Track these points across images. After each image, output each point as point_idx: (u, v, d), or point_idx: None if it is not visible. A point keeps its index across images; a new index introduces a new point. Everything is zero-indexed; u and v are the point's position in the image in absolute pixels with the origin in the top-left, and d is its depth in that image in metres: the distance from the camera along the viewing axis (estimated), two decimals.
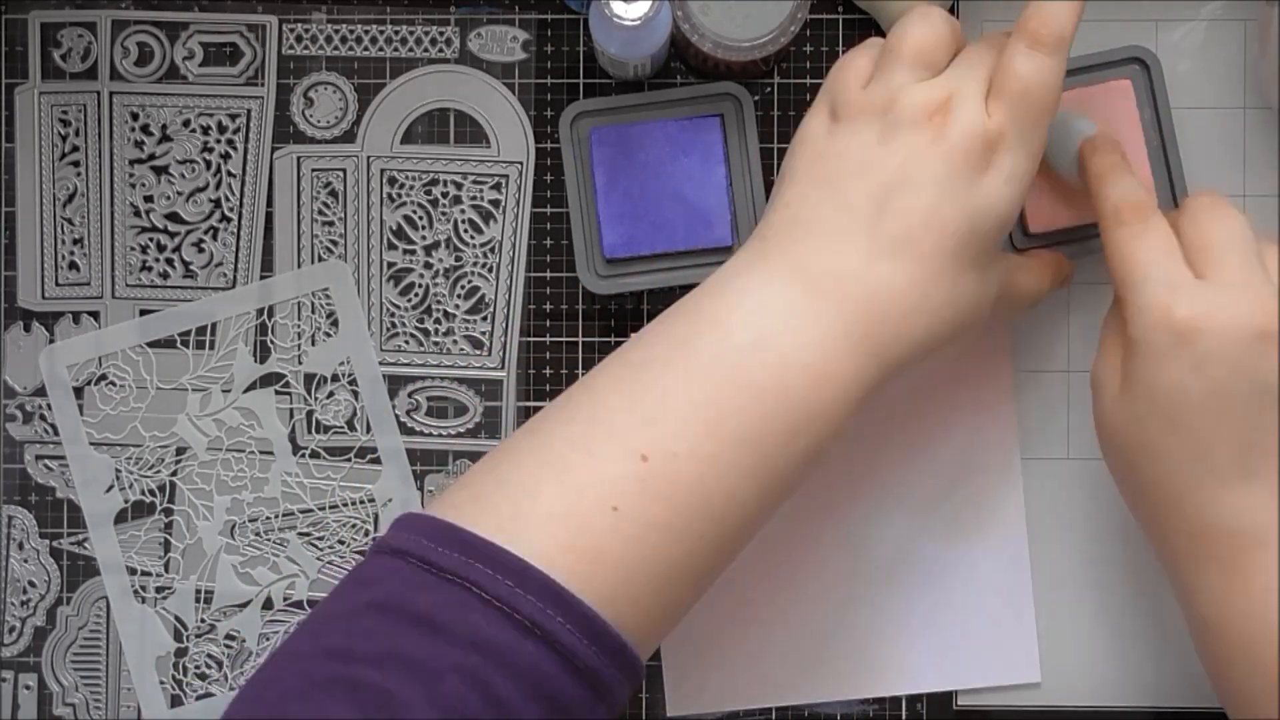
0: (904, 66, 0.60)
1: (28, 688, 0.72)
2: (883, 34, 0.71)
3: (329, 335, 0.72)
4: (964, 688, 0.71)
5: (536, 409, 0.71)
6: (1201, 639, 0.61)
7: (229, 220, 0.72)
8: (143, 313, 0.72)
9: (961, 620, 0.70)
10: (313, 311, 0.72)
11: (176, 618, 0.72)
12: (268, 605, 0.72)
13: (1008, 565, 0.71)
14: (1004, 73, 0.59)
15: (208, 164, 0.72)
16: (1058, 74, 0.59)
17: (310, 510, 0.72)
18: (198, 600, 0.72)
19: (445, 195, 0.72)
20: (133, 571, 0.72)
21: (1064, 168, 0.66)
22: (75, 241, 0.72)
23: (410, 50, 0.72)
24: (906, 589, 0.71)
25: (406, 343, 0.72)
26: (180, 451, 0.72)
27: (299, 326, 0.72)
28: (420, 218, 0.72)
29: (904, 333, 0.58)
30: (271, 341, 0.72)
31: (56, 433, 0.72)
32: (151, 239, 0.72)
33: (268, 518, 0.72)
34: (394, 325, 0.72)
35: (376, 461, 0.72)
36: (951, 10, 0.71)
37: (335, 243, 0.72)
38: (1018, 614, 0.70)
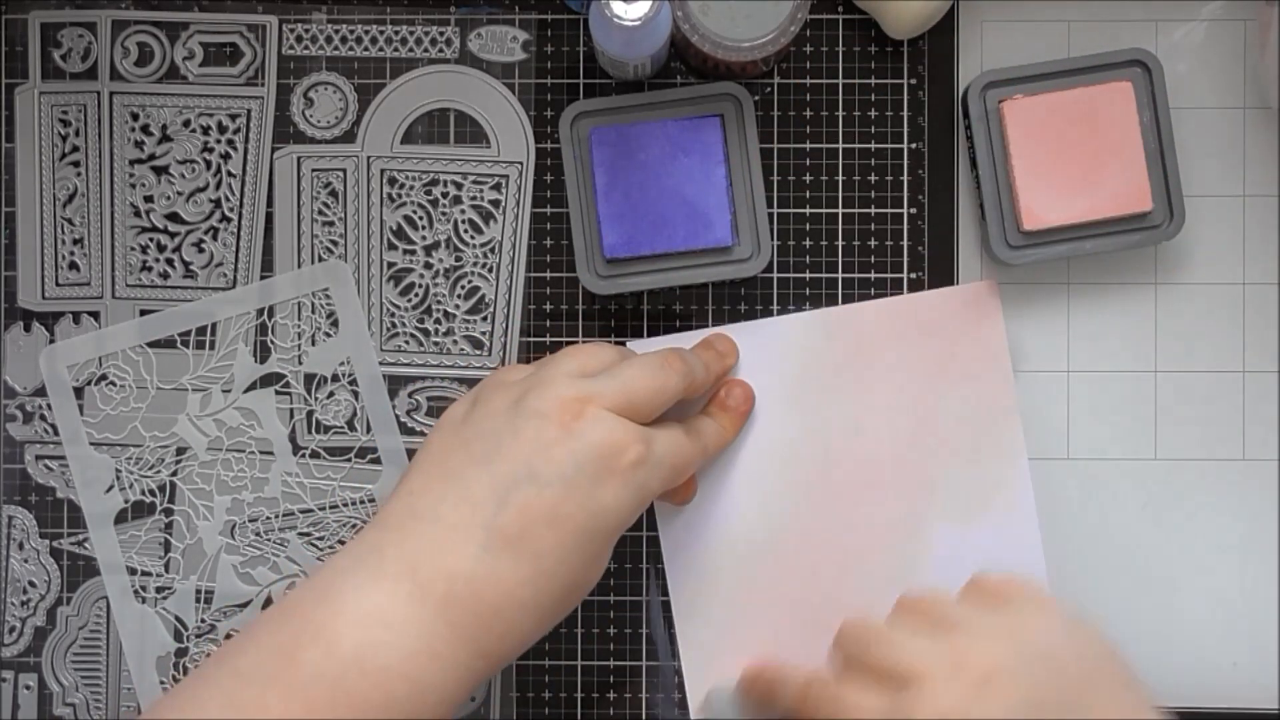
0: (558, 362, 0.62)
1: (28, 688, 0.72)
2: (883, 34, 0.71)
3: (329, 335, 0.72)
4: None
5: None
6: None
7: (229, 220, 0.72)
8: (143, 313, 0.72)
9: None
10: (313, 311, 0.72)
11: (177, 618, 0.72)
12: (268, 605, 0.72)
13: (1019, 546, 0.71)
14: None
15: (208, 164, 0.72)
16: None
17: (310, 510, 0.72)
18: (198, 600, 0.72)
19: (445, 195, 0.72)
20: (133, 571, 0.72)
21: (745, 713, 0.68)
22: (75, 241, 0.72)
23: (410, 50, 0.72)
24: (920, 577, 0.71)
25: (406, 343, 0.72)
26: (180, 451, 0.72)
27: (299, 326, 0.72)
28: (420, 218, 0.72)
29: (513, 630, 0.59)
30: (271, 341, 0.72)
31: (56, 433, 0.72)
32: (151, 239, 0.72)
33: (268, 518, 0.72)
34: (394, 325, 0.72)
35: (377, 462, 0.72)
36: (952, 10, 0.71)
37: (335, 243, 0.72)
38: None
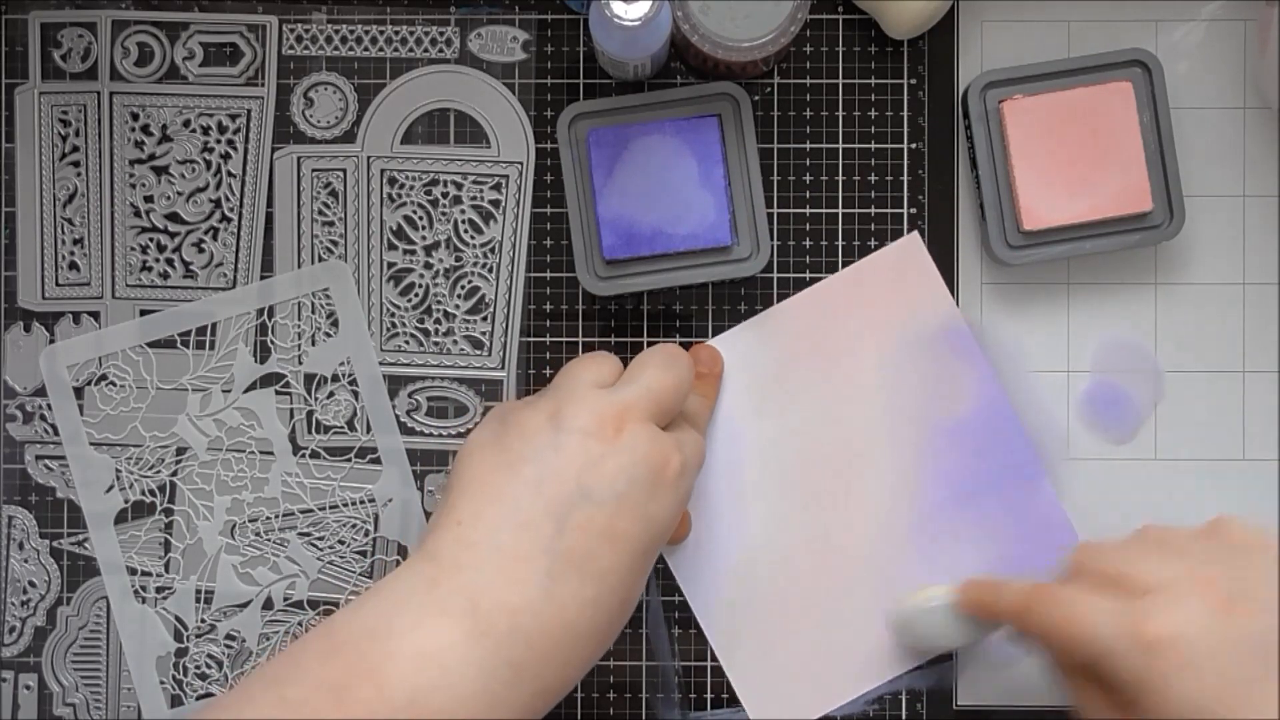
0: (576, 375, 0.62)
1: (28, 688, 0.72)
2: (883, 34, 0.71)
3: (329, 335, 0.72)
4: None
5: None
6: None
7: (229, 220, 0.72)
8: (143, 313, 0.72)
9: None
10: (313, 311, 0.72)
11: (177, 618, 0.72)
12: (268, 605, 0.72)
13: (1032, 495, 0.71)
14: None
15: (208, 164, 0.72)
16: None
17: (311, 510, 0.72)
18: (198, 600, 0.72)
19: (445, 195, 0.72)
20: (133, 572, 0.72)
21: (951, 639, 0.68)
22: (75, 241, 0.72)
23: (410, 50, 0.72)
24: (935, 541, 0.71)
25: (406, 343, 0.72)
26: (180, 452, 0.72)
27: (299, 326, 0.72)
28: (420, 218, 0.72)
29: (574, 659, 0.58)
30: (271, 341, 0.72)
31: (56, 433, 0.72)
32: (151, 239, 0.72)
33: (268, 518, 0.72)
34: (394, 325, 0.72)
35: (377, 461, 0.72)
36: (952, 10, 0.71)
37: (335, 243, 0.72)
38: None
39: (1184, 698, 0.55)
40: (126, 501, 0.72)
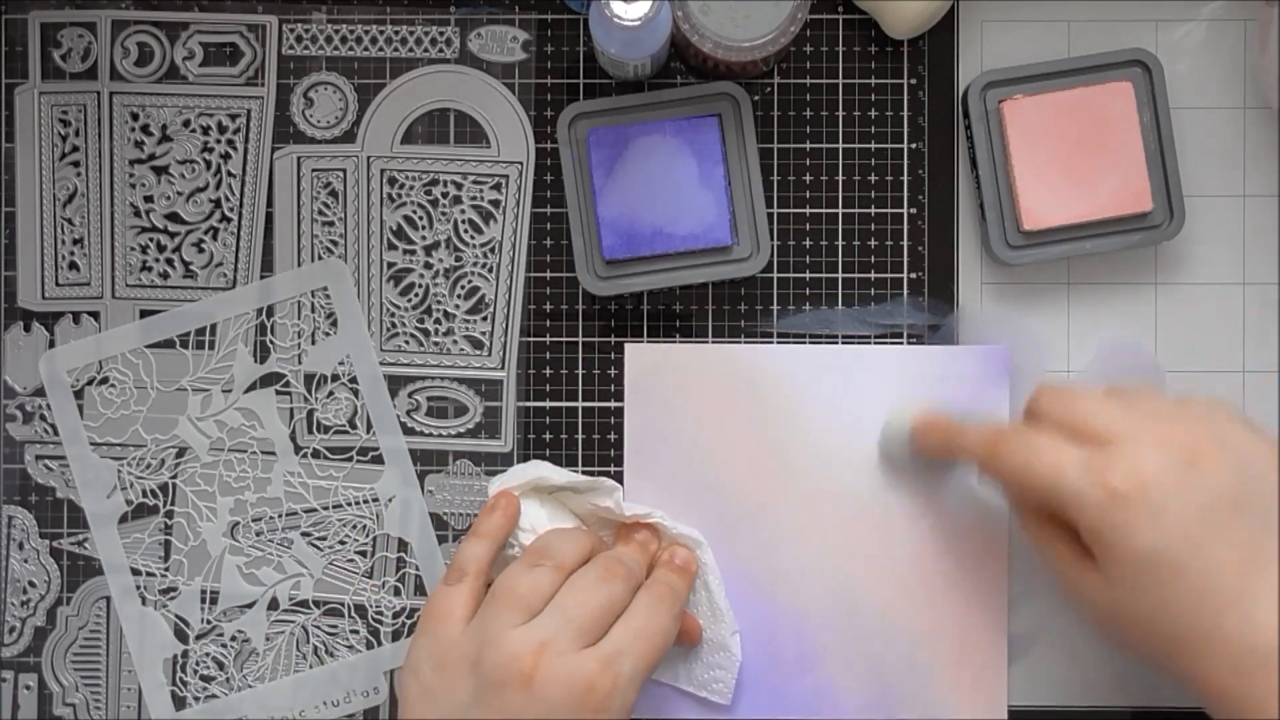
0: (501, 608, 0.62)
1: (28, 688, 0.72)
2: (883, 34, 0.71)
3: (328, 334, 0.72)
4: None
5: (536, 409, 0.72)
6: None
7: (229, 220, 0.72)
8: (143, 313, 0.72)
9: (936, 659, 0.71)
10: (312, 310, 0.72)
11: (182, 619, 0.72)
12: (273, 605, 0.72)
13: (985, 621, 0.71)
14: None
15: (208, 164, 0.72)
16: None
17: (314, 510, 0.72)
18: (203, 601, 0.72)
19: (445, 195, 0.72)
20: (136, 573, 0.72)
21: (900, 462, 0.69)
22: (75, 241, 0.72)
23: (410, 50, 0.72)
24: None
25: (406, 343, 0.72)
26: (182, 453, 0.72)
27: (298, 326, 0.72)
28: (420, 218, 0.72)
29: None
30: (271, 341, 0.72)
31: (56, 433, 0.72)
32: (151, 239, 0.72)
33: (271, 518, 0.72)
34: (394, 325, 0.72)
35: (378, 460, 0.72)
36: (952, 10, 0.71)
37: (335, 243, 0.72)
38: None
39: (1144, 546, 0.56)
40: (129, 503, 0.72)
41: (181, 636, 0.72)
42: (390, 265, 0.72)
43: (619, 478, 0.71)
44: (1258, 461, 0.58)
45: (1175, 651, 0.58)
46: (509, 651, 0.60)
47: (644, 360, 0.71)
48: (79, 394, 0.72)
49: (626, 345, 0.71)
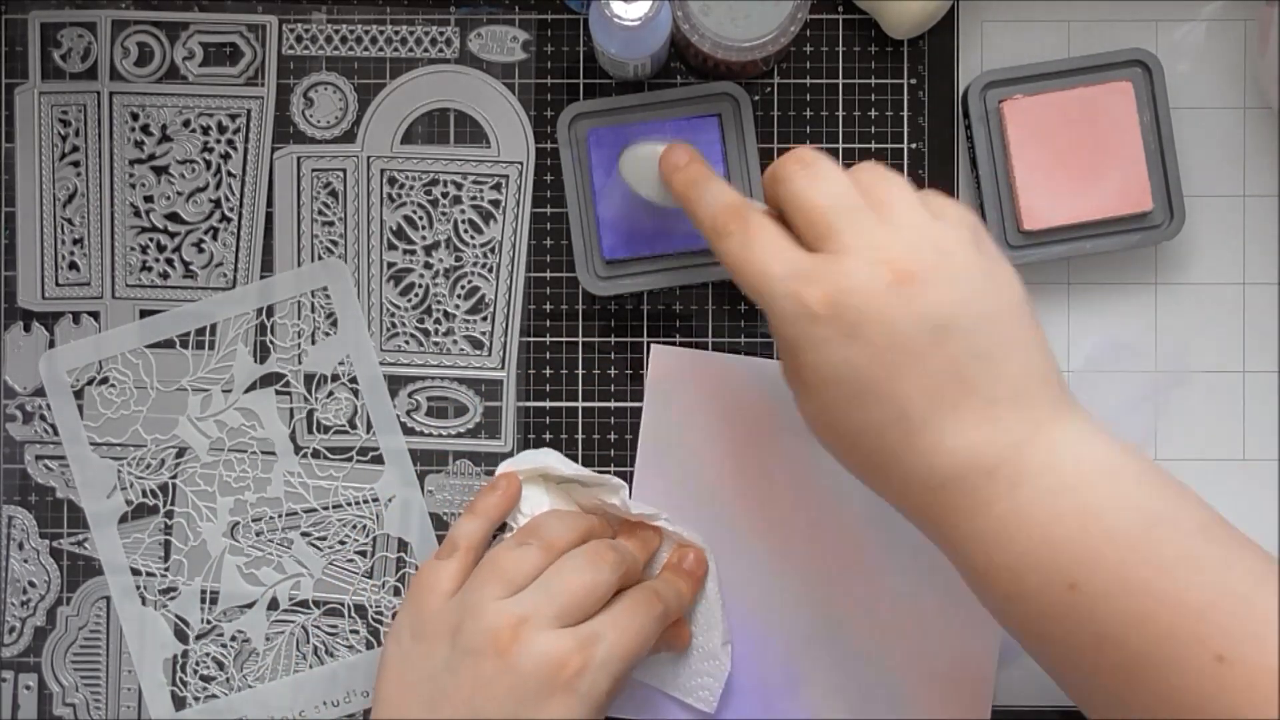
0: (485, 581, 0.63)
1: (28, 688, 0.72)
2: (883, 34, 0.71)
3: (328, 334, 0.72)
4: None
5: (536, 409, 0.72)
6: (978, 586, 0.57)
7: (229, 220, 0.72)
8: (143, 313, 0.72)
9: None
10: (312, 310, 0.72)
11: (182, 619, 0.72)
12: (273, 605, 0.72)
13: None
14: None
15: (208, 164, 0.72)
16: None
17: (314, 510, 0.72)
18: (203, 601, 0.72)
19: (445, 195, 0.72)
20: (136, 573, 0.72)
21: (656, 195, 0.65)
22: (75, 241, 0.72)
23: (410, 50, 0.72)
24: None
25: (406, 343, 0.72)
26: (181, 453, 0.72)
27: (298, 325, 0.72)
28: (420, 218, 0.72)
29: None
30: (271, 341, 0.72)
31: (56, 433, 0.72)
32: (151, 239, 0.72)
33: (271, 518, 0.72)
34: (394, 325, 0.72)
35: (378, 460, 0.72)
36: (952, 10, 0.71)
37: (335, 243, 0.72)
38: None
39: (830, 365, 0.55)
40: (129, 503, 0.72)
41: (181, 636, 0.72)
42: (390, 265, 0.72)
43: (623, 477, 0.71)
44: (978, 284, 0.55)
45: (873, 469, 0.57)
46: (488, 622, 0.61)
47: (668, 363, 0.71)
48: (79, 394, 0.72)
49: (652, 346, 0.71)
